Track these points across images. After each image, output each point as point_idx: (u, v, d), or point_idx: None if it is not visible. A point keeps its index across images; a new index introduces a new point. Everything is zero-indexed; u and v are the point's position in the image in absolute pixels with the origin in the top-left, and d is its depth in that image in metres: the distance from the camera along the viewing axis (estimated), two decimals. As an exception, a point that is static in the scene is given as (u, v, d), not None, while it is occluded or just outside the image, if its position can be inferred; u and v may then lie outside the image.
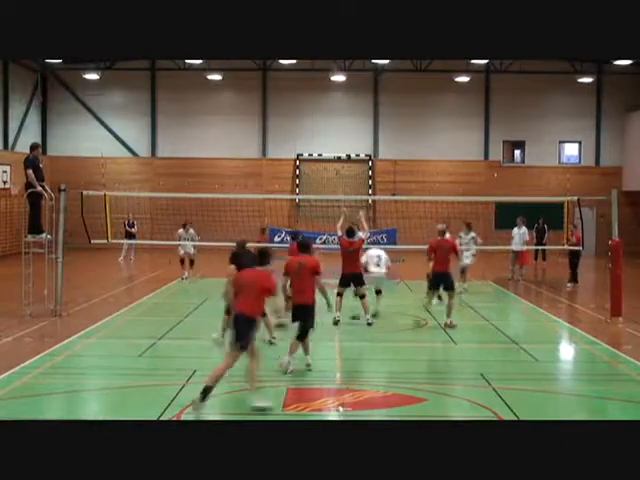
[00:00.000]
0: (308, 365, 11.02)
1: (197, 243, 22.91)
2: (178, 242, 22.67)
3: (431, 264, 14.92)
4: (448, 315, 14.79)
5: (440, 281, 14.86)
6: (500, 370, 11.65)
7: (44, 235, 15.91)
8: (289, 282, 11.34)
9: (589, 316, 16.84)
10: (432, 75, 34.56)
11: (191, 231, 22.82)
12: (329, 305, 12.07)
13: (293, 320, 11.16)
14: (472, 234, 20.79)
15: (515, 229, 23.33)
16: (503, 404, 9.35)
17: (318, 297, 11.35)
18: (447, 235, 15.26)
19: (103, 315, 15.69)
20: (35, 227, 15.92)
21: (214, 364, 11.92)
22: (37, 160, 15.97)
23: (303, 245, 11.63)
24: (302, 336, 11.03)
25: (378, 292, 15.96)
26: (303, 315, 11.00)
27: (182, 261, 22.61)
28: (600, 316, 16.40)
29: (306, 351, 11.18)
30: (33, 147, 16.32)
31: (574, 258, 21.92)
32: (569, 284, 21.96)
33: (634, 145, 34.13)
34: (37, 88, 34.87)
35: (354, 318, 15.45)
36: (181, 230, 22.79)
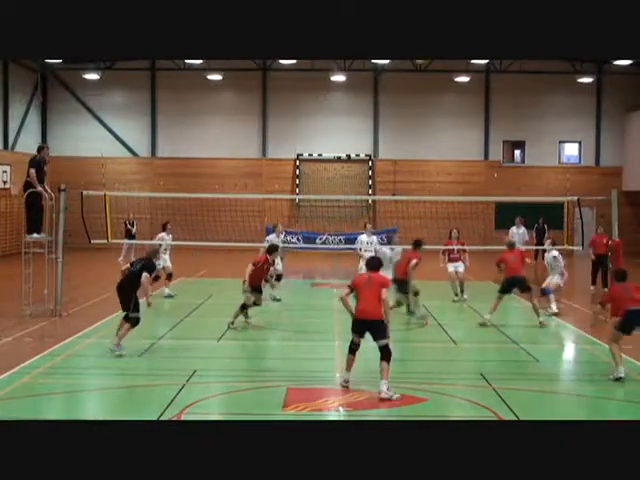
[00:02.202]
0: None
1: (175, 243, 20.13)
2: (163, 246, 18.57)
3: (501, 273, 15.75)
4: (539, 315, 15.37)
5: (514, 284, 15.50)
6: (500, 370, 11.66)
7: (42, 235, 15.89)
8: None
9: (589, 316, 16.83)
10: (432, 75, 34.56)
11: (170, 236, 19.39)
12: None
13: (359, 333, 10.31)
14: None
15: (513, 229, 23.32)
16: (503, 404, 9.35)
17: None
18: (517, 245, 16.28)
19: (103, 315, 15.68)
20: (32, 227, 15.90)
21: (214, 364, 11.98)
22: (43, 161, 15.97)
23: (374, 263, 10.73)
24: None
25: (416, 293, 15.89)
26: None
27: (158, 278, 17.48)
28: (600, 316, 16.39)
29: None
30: (40, 148, 16.34)
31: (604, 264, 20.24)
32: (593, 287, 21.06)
33: (634, 145, 34.12)
34: (37, 88, 34.87)
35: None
36: (163, 234, 19.27)
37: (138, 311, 12.14)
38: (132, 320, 12.10)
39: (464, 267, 18.92)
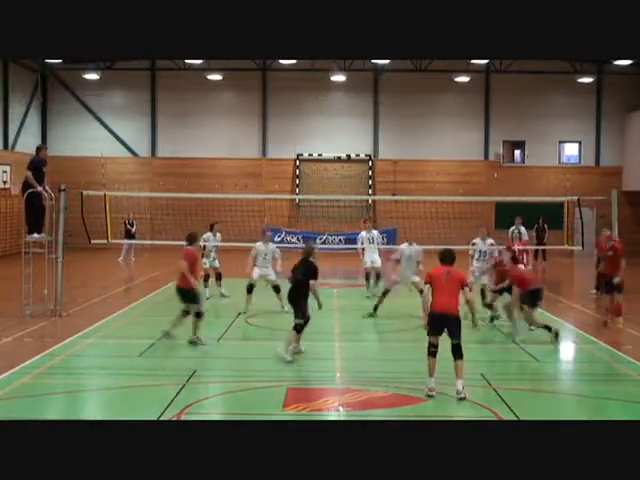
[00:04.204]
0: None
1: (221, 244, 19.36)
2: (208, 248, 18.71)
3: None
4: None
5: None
6: (500, 370, 11.66)
7: (42, 235, 15.89)
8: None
9: (589, 316, 16.84)
10: (432, 75, 34.54)
11: (218, 235, 18.99)
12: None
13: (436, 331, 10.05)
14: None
15: (512, 228, 23.32)
16: (503, 404, 9.35)
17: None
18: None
19: (103, 315, 15.69)
20: (33, 227, 15.90)
21: (214, 364, 11.98)
22: (41, 162, 15.96)
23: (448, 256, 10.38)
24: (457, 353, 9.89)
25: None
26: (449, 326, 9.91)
27: (208, 277, 18.69)
28: (600, 316, 16.41)
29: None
30: (38, 149, 16.34)
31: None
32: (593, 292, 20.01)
33: (634, 145, 34.12)
34: (37, 88, 34.86)
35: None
36: (209, 234, 18.85)
37: (302, 318, 11.97)
38: (296, 327, 11.96)
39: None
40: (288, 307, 14.09)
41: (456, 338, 9.79)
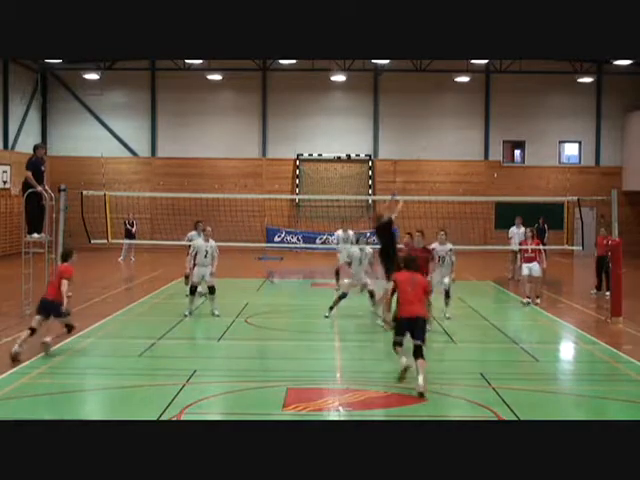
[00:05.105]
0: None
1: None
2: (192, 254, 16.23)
3: None
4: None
5: None
6: (500, 370, 11.66)
7: (42, 235, 15.87)
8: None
9: (589, 316, 16.84)
10: (432, 75, 34.56)
11: (211, 242, 16.08)
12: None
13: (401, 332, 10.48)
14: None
15: (513, 229, 23.33)
16: (503, 404, 9.35)
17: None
18: None
19: (103, 315, 15.68)
20: (33, 227, 15.89)
21: (214, 364, 11.98)
22: (40, 162, 15.92)
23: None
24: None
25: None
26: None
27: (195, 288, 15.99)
28: (600, 316, 16.41)
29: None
30: (35, 148, 16.30)
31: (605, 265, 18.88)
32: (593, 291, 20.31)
33: (634, 145, 34.13)
34: (37, 88, 34.87)
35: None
36: (193, 232, 16.99)
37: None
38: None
39: (540, 268, 18.02)
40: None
41: (419, 340, 10.14)
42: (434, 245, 15.67)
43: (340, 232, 19.71)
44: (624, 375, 11.39)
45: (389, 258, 14.54)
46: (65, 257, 12.98)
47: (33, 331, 11.87)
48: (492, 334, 14.51)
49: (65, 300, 12.10)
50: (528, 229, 18.94)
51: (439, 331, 14.56)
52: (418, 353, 10.01)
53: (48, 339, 11.86)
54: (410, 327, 10.21)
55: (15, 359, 11.31)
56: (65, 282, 12.13)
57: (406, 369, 10.27)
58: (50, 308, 12.16)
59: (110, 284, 21.72)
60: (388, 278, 12.91)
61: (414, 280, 10.48)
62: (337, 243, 19.78)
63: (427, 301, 10.87)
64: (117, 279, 24.03)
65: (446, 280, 15.51)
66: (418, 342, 10.09)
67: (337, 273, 18.73)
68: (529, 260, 18.09)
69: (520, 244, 18.76)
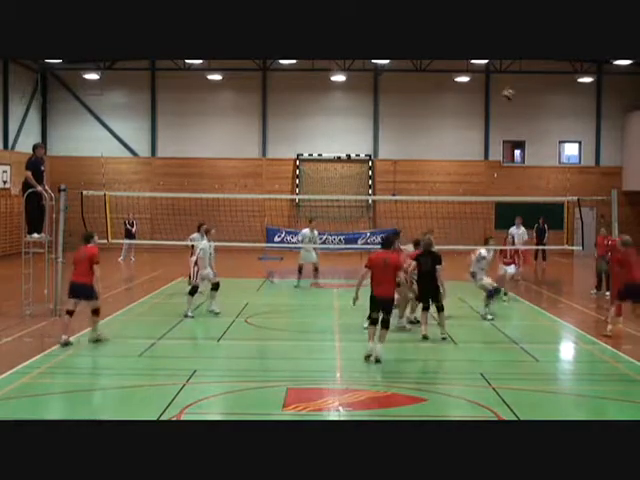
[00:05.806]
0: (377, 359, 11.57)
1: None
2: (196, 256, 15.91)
3: None
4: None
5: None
6: (500, 370, 11.66)
7: (42, 235, 15.88)
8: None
9: (589, 316, 16.84)
10: (432, 75, 34.55)
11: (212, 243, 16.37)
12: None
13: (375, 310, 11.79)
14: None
15: (513, 229, 23.33)
16: (503, 404, 9.35)
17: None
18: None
19: (103, 315, 15.64)
20: (33, 227, 15.89)
21: (214, 364, 11.98)
22: (39, 161, 15.91)
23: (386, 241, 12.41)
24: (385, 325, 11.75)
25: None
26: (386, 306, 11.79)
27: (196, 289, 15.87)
28: (600, 316, 16.41)
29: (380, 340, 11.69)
30: (35, 147, 16.29)
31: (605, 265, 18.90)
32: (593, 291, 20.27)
33: (634, 145, 34.13)
34: (37, 88, 34.87)
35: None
36: (196, 234, 16.44)
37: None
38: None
39: (516, 270, 19.25)
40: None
41: (388, 314, 11.68)
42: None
43: (307, 230, 20.36)
44: (624, 375, 11.39)
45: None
46: (88, 239, 13.22)
47: (71, 313, 12.64)
48: (492, 334, 14.51)
49: (98, 285, 12.83)
50: (510, 235, 19.67)
51: (439, 332, 14.56)
52: (383, 324, 11.62)
53: (65, 337, 12.50)
54: (381, 305, 11.65)
55: (66, 345, 12.36)
56: (97, 267, 12.72)
57: (369, 355, 11.56)
58: (80, 291, 12.67)
59: (110, 284, 21.70)
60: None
61: (386, 261, 11.59)
62: (301, 241, 20.67)
63: (398, 277, 12.15)
64: (117, 279, 24.02)
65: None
66: (385, 316, 11.63)
67: (300, 271, 20.21)
68: (507, 264, 18.97)
69: (501, 252, 19.13)
